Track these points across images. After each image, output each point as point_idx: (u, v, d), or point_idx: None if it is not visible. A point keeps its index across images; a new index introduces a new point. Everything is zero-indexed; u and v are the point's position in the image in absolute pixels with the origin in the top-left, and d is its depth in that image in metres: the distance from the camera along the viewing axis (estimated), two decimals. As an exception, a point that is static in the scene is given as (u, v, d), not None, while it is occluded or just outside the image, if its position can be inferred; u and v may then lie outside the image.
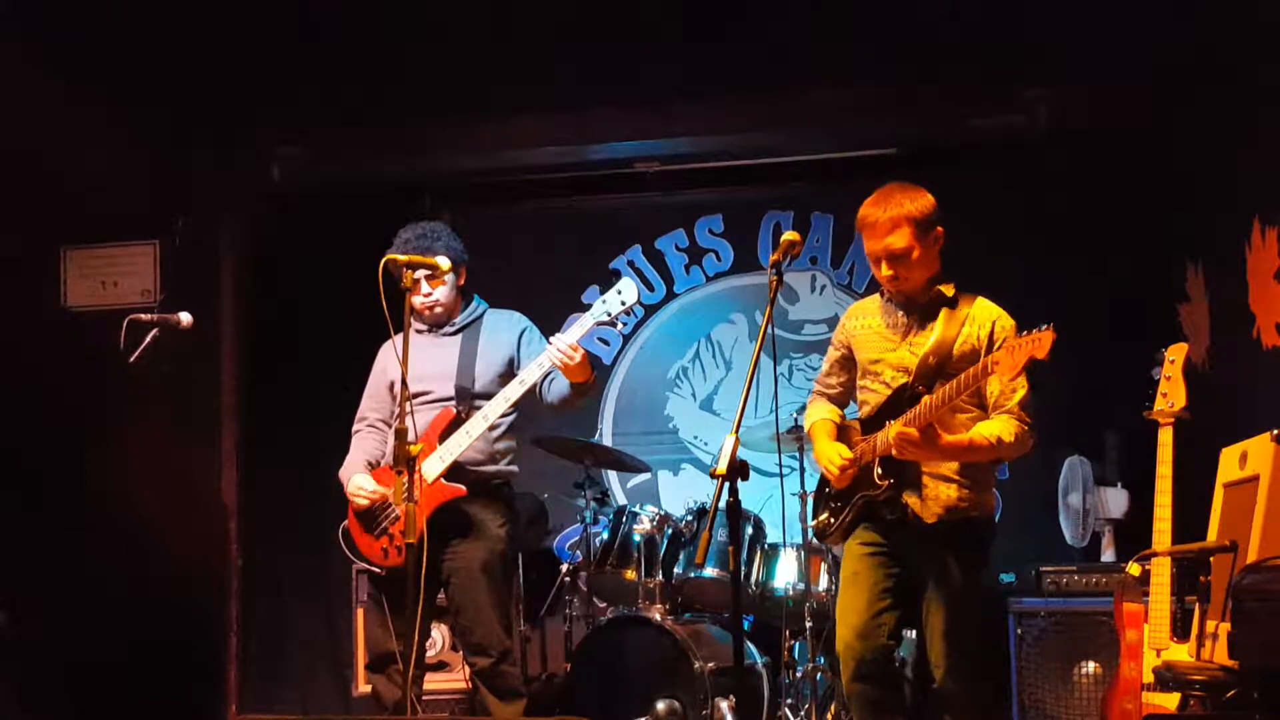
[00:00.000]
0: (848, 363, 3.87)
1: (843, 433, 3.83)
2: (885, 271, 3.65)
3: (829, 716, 4.85)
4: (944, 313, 3.66)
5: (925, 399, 3.50)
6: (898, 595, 3.70)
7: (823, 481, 3.87)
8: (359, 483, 4.29)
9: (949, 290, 3.69)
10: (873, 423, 3.70)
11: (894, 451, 3.51)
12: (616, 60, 5.43)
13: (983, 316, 3.64)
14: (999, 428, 3.52)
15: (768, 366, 3.96)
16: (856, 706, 3.72)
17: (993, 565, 5.68)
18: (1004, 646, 4.75)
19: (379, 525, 4.27)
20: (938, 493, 3.62)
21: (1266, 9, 4.34)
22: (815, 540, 4.85)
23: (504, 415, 4.28)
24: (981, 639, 3.69)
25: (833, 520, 3.79)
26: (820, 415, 3.88)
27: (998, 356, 3.31)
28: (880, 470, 3.61)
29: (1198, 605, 3.50)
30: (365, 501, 4.27)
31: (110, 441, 5.32)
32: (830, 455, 3.70)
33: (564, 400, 4.34)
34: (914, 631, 3.99)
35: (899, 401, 3.62)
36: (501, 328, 4.47)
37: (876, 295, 3.83)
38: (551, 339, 4.18)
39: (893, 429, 3.51)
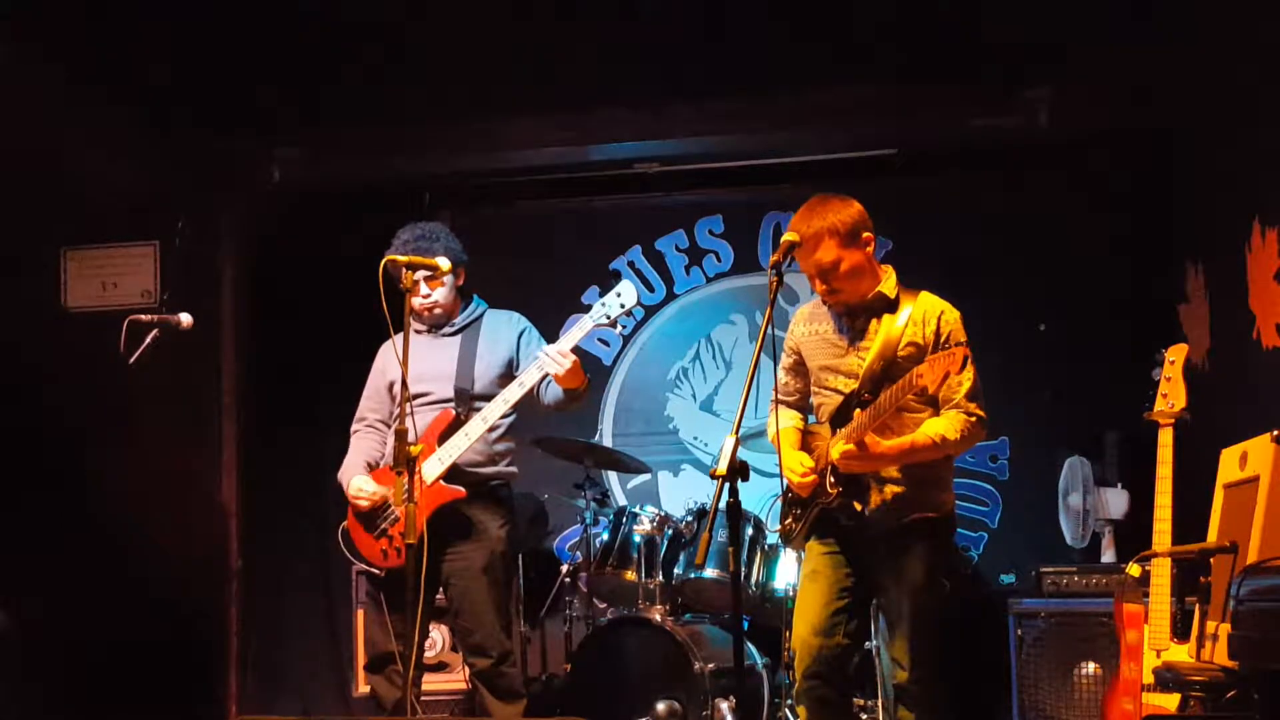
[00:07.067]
0: (800, 368, 3.91)
1: (808, 437, 3.87)
2: (820, 286, 3.69)
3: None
4: (886, 315, 3.70)
5: (858, 414, 3.58)
6: (855, 596, 3.74)
7: (787, 487, 3.89)
8: (359, 484, 4.30)
9: (890, 291, 3.73)
10: (830, 428, 3.75)
11: (839, 466, 3.58)
12: (616, 60, 5.43)
13: (926, 313, 3.68)
14: (943, 425, 3.58)
15: (768, 367, 3.95)
16: (807, 703, 3.74)
17: (991, 565, 5.74)
18: (1004, 647, 4.75)
19: (379, 526, 4.27)
20: (888, 494, 3.66)
21: (1266, 9, 4.34)
22: (780, 544, 4.88)
23: (503, 417, 4.29)
24: (942, 637, 3.70)
25: (795, 525, 3.83)
26: (784, 424, 3.90)
27: (921, 370, 3.38)
28: (831, 479, 3.67)
29: (1198, 606, 3.50)
30: (366, 503, 4.27)
31: (110, 441, 5.31)
32: (792, 465, 3.74)
33: (559, 403, 4.37)
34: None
35: (848, 410, 3.68)
36: (501, 329, 4.47)
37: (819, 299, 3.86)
38: (544, 347, 4.21)
39: (835, 446, 3.58)
